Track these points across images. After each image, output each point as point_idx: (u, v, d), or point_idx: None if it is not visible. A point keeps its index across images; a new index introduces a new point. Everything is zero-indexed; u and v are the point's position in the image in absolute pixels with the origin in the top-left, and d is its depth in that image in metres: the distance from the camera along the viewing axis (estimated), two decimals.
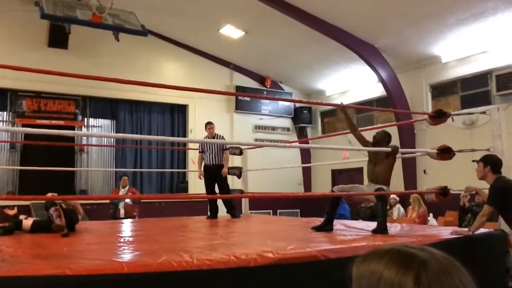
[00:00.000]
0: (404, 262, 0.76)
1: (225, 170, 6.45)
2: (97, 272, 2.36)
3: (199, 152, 6.74)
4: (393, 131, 10.02)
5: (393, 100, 10.38)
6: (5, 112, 10.37)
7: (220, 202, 6.64)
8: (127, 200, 8.50)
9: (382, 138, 4.55)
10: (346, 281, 0.85)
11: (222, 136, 6.80)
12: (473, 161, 4.18)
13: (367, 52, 10.12)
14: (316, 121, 13.78)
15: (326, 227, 4.41)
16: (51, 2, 7.83)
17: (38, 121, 10.22)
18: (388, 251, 0.81)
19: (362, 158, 10.22)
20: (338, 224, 5.12)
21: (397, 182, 10.19)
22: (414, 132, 10.51)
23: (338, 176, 12.66)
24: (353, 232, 4.34)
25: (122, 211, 8.49)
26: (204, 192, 6.72)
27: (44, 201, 4.67)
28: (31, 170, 9.16)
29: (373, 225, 4.39)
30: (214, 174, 6.47)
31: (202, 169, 6.57)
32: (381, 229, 4.12)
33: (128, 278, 2.41)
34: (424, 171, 10.15)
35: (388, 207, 8.11)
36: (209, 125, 6.57)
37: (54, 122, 10.44)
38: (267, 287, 2.78)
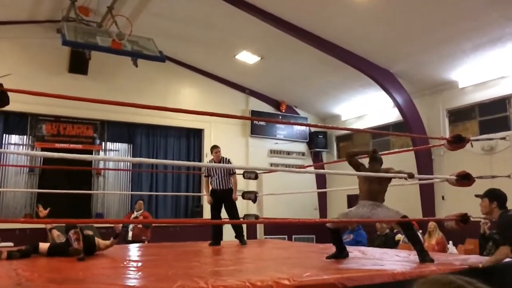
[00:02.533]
0: None
1: (235, 196, 6.34)
2: None
3: (205, 176, 6.65)
4: (410, 157, 9.96)
5: (409, 125, 10.30)
6: (25, 136, 10.57)
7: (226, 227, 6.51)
8: (138, 224, 8.53)
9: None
10: None
11: (229, 160, 6.70)
12: (476, 196, 3.94)
13: (383, 77, 10.13)
14: (332, 145, 13.73)
15: (341, 255, 4.33)
16: (73, 29, 8.07)
17: (57, 145, 10.38)
18: (447, 284, 0.76)
19: None
20: (355, 251, 5.04)
21: (415, 208, 10.03)
22: (431, 157, 10.38)
23: (355, 201, 12.48)
24: (371, 259, 4.25)
25: (130, 234, 8.50)
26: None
27: (63, 224, 4.70)
28: (48, 193, 9.24)
29: (390, 252, 4.30)
30: (221, 199, 6.35)
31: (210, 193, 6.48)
32: (424, 256, 3.90)
33: None
34: (443, 197, 9.97)
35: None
36: (215, 148, 6.47)
37: (72, 146, 10.60)
38: None
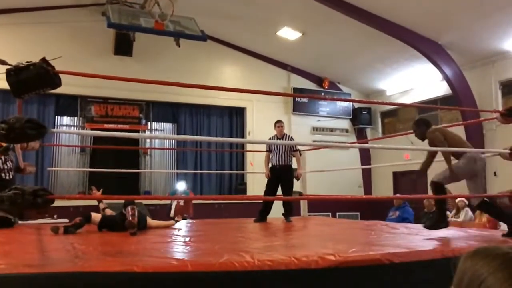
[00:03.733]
0: None
1: (300, 171, 6.33)
2: (163, 270, 2.44)
3: (266, 151, 6.60)
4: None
5: (459, 99, 9.88)
6: (76, 117, 11.03)
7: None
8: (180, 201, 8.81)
9: (419, 130, 4.35)
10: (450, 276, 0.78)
11: (291, 137, 6.65)
12: None
13: (430, 49, 9.72)
14: (376, 122, 13.43)
15: (442, 224, 4.12)
16: (117, 12, 8.24)
17: (106, 125, 10.77)
18: (501, 255, 0.71)
19: (425, 159, 9.86)
20: (401, 227, 4.96)
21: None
22: (483, 132, 9.95)
23: (401, 178, 12.26)
24: (418, 236, 4.16)
25: (172, 211, 8.76)
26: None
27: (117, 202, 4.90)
28: (99, 172, 9.70)
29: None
30: (280, 175, 6.28)
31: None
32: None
33: (191, 277, 2.47)
34: (495, 173, 9.57)
35: (455, 210, 7.74)
36: (278, 123, 6.43)
37: (120, 126, 10.95)
38: None
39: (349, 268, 2.77)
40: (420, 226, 5.36)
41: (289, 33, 10.87)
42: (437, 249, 3.18)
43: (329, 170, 9.83)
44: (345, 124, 13.38)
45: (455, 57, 9.86)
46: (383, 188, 12.42)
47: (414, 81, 11.76)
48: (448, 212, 7.81)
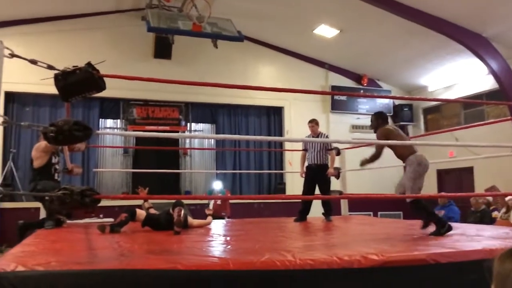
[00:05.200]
0: None
1: (331, 170, 6.24)
2: (205, 268, 2.47)
3: (302, 150, 6.61)
4: (507, 127, 9.18)
5: (506, 93, 9.46)
6: (118, 120, 11.37)
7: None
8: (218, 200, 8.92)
9: (374, 122, 4.72)
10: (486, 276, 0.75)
11: (327, 135, 6.61)
12: None
13: (474, 43, 9.36)
14: (418, 118, 13.06)
15: (443, 230, 4.01)
16: (156, 16, 8.43)
17: (147, 127, 11.04)
18: None
19: (471, 156, 9.51)
20: None
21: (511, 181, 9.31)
22: None
23: (445, 176, 11.87)
24: (465, 235, 4.02)
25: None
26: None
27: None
28: (142, 173, 9.98)
29: (486, 228, 4.04)
30: (316, 174, 6.26)
31: (304, 168, 6.47)
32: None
33: (233, 275, 2.49)
34: None
35: (505, 209, 7.41)
36: (310, 123, 6.43)
37: (160, 127, 11.19)
38: None
39: (393, 268, 2.72)
40: (467, 225, 5.19)
41: (326, 31, 10.75)
42: (486, 249, 3.06)
43: (369, 168, 9.63)
44: None
45: (501, 50, 9.45)
46: (427, 187, 11.96)
47: (458, 76, 11.36)
48: (496, 212, 7.51)
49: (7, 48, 2.34)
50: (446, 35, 9.36)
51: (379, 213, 11.67)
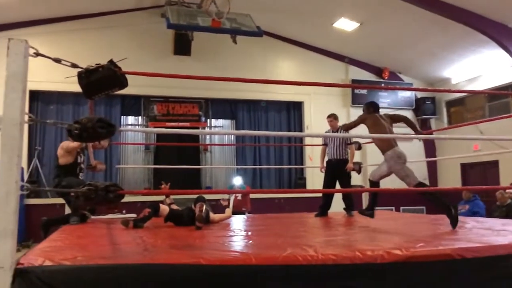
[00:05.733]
0: None
1: (350, 165, 6.16)
2: (228, 263, 2.49)
3: (322, 144, 6.59)
4: None
5: None
6: (139, 117, 11.50)
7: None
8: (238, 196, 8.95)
9: (366, 110, 5.12)
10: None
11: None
12: None
13: (499, 33, 9.12)
14: (441, 111, 12.83)
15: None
16: (175, 13, 8.48)
17: (167, 124, 11.14)
18: None
19: (496, 149, 9.30)
20: (471, 221, 4.72)
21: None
22: None
23: (469, 170, 11.64)
24: (491, 230, 3.94)
25: (231, 206, 8.89)
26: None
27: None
28: (163, 169, 10.10)
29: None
30: (336, 169, 6.21)
31: (325, 163, 6.44)
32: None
33: (255, 270, 2.50)
34: None
35: None
36: (328, 117, 6.41)
37: (181, 124, 11.28)
38: (394, 286, 2.66)
39: (417, 263, 2.68)
40: (493, 220, 5.09)
41: (346, 24, 10.64)
42: None
43: None
44: (408, 115, 12.70)
45: None
46: (450, 181, 11.86)
47: (482, 68, 11.10)
48: None
49: (32, 47, 2.38)
50: (469, 26, 9.15)
51: (401, 208, 11.54)
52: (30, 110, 9.96)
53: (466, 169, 11.73)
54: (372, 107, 5.10)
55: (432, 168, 12.58)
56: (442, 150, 12.33)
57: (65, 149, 5.23)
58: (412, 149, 12.21)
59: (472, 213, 7.32)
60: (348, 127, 5.27)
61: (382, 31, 10.68)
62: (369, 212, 5.00)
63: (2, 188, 2.26)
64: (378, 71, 12.73)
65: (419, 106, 12.72)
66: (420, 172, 12.47)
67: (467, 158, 10.96)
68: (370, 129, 4.86)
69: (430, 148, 12.53)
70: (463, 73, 11.73)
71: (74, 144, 5.12)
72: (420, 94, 12.82)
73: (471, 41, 9.94)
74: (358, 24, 10.52)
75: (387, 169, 4.71)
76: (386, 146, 4.69)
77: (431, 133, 11.61)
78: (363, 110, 5.18)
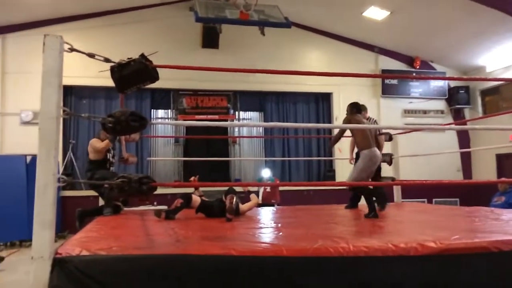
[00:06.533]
0: None
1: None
2: (259, 254, 2.50)
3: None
4: None
5: None
6: (169, 110, 11.65)
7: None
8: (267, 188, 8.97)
9: (349, 110, 5.18)
10: None
11: (375, 120, 6.47)
12: None
13: None
14: (475, 101, 12.45)
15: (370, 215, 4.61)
16: (204, 6, 8.51)
17: (196, 116, 11.24)
18: None
19: None
20: (509, 213, 4.58)
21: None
22: None
23: (505, 161, 11.28)
24: None
25: (260, 198, 8.94)
26: None
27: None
28: (193, 161, 10.21)
29: None
30: None
31: (354, 155, 6.38)
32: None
33: (286, 261, 2.50)
34: None
35: None
36: None
37: (210, 116, 11.36)
38: (428, 278, 2.61)
39: (452, 256, 2.63)
40: None
41: (376, 13, 10.43)
42: None
43: (423, 154, 9.33)
44: (440, 105, 12.59)
45: None
46: (485, 172, 11.53)
47: None
48: None
49: (67, 43, 2.44)
50: (505, 12, 8.82)
51: (434, 200, 11.30)
52: (64, 105, 10.21)
53: (502, 159, 11.36)
54: (355, 108, 5.21)
55: (466, 159, 12.26)
56: (477, 140, 11.98)
57: (94, 147, 5.38)
58: (445, 140, 11.95)
59: (509, 205, 7.10)
60: (336, 139, 5.32)
61: (413, 19, 10.41)
62: (373, 214, 4.74)
63: (41, 180, 2.34)
64: (409, 61, 12.45)
65: (452, 95, 12.38)
66: (454, 163, 12.19)
67: (503, 149, 10.60)
68: (353, 130, 5.05)
69: (464, 139, 12.20)
70: (498, 60, 11.32)
71: (102, 144, 5.28)
72: (453, 83, 12.46)
73: (506, 27, 9.57)
74: (389, 13, 10.30)
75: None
76: (365, 145, 4.91)
77: (465, 123, 11.31)
78: (346, 111, 5.26)
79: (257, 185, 9.65)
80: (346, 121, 5.08)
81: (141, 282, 2.33)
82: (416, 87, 12.36)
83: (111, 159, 5.54)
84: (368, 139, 4.94)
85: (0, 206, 8.37)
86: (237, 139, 11.86)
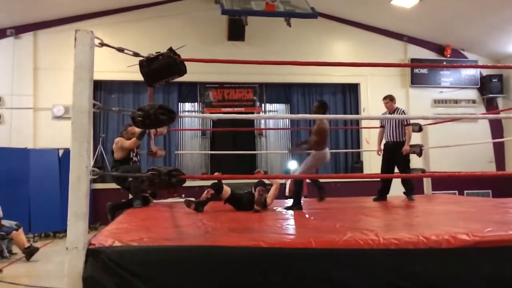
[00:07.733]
0: None
1: (406, 147, 5.96)
2: (287, 246, 2.50)
3: (380, 126, 6.46)
4: None
5: None
6: (196, 103, 11.74)
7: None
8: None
9: (315, 110, 5.29)
10: None
11: (403, 111, 6.36)
12: None
13: None
14: (509, 90, 12.03)
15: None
16: None
17: (223, 109, 11.29)
18: None
19: None
20: None
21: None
22: None
23: None
24: None
25: (287, 190, 8.93)
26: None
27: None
28: (219, 154, 10.27)
29: None
30: (393, 152, 6.04)
31: (382, 146, 6.30)
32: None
33: (315, 253, 2.50)
34: None
35: None
36: (384, 99, 6.25)
37: (236, 109, 11.39)
38: (461, 272, 2.55)
39: (486, 248, 2.57)
40: None
41: (404, 1, 10.18)
42: None
43: (454, 145, 9.11)
44: (472, 94, 12.23)
45: None
46: None
47: None
48: None
49: (97, 38, 2.48)
50: None
51: (465, 191, 11.05)
52: (94, 99, 10.32)
53: None
54: (323, 108, 5.29)
55: (499, 149, 11.90)
56: (511, 130, 11.61)
57: (119, 146, 5.49)
58: (477, 131, 11.62)
59: None
60: (307, 147, 5.41)
61: (444, 6, 10.12)
62: (298, 207, 4.89)
63: (74, 173, 2.40)
64: (439, 49, 12.13)
65: (484, 84, 12.01)
66: (486, 155, 11.85)
67: None
68: (317, 130, 5.09)
69: (497, 129, 11.84)
70: None
71: (127, 143, 5.38)
72: (485, 72, 12.08)
73: None
74: (418, 0, 10.04)
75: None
76: (321, 146, 5.06)
77: (498, 113, 10.95)
78: (314, 108, 5.35)
79: (284, 177, 9.64)
80: (320, 126, 5.13)
81: (171, 272, 2.36)
82: (447, 76, 12.04)
83: (134, 158, 5.66)
84: (326, 141, 5.15)
85: (34, 199, 8.67)
86: (264, 131, 11.85)
